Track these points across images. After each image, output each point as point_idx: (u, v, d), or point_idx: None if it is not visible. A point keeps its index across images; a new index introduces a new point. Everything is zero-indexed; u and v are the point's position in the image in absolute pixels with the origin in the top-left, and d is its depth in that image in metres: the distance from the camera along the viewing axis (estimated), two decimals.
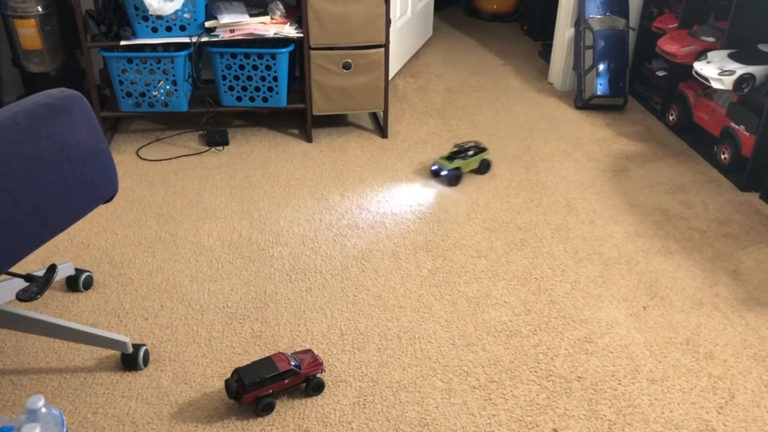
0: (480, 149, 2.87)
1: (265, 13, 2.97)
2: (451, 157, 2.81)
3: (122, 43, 2.84)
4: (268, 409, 1.71)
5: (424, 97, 3.68)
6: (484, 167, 2.88)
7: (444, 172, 2.79)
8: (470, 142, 2.90)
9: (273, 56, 2.94)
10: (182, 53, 2.89)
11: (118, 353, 1.88)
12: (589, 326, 2.04)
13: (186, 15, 2.84)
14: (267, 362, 1.72)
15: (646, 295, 2.18)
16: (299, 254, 2.35)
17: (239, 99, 3.06)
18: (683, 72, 3.20)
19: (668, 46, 3.20)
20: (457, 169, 2.78)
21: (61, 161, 1.55)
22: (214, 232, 2.47)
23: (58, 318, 1.83)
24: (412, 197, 2.70)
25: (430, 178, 2.82)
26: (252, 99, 3.06)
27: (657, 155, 3.11)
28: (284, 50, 2.94)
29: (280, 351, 1.88)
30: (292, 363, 1.73)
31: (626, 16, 3.56)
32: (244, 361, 1.87)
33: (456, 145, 2.89)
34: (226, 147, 3.09)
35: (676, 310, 2.11)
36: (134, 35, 2.84)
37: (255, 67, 2.97)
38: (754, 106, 2.79)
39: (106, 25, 2.86)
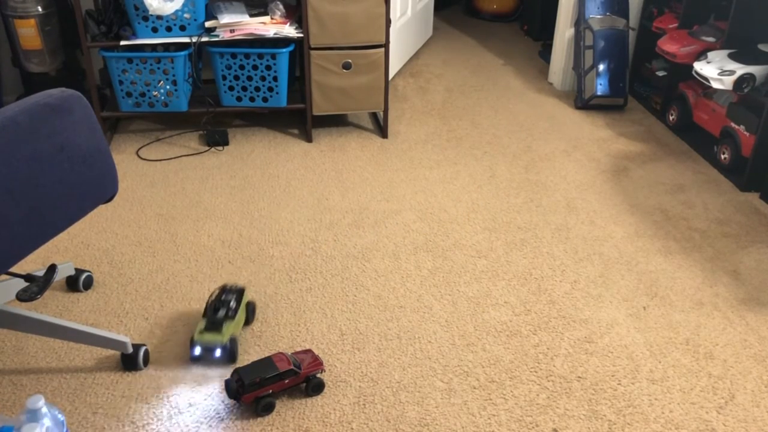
0: (237, 291, 1.94)
1: (265, 13, 2.97)
2: (215, 324, 1.84)
3: (122, 43, 2.84)
4: (269, 409, 1.71)
5: (424, 97, 3.68)
6: (251, 313, 2.00)
7: (218, 352, 1.83)
8: (215, 289, 2.03)
9: (273, 56, 2.94)
10: (182, 53, 2.89)
11: (118, 353, 1.88)
12: (589, 326, 2.04)
13: (186, 15, 2.83)
14: (267, 362, 1.72)
15: (646, 295, 2.18)
16: (299, 254, 2.35)
17: (239, 99, 3.06)
18: (683, 72, 3.20)
19: (668, 46, 3.20)
20: (233, 338, 1.85)
21: (61, 161, 1.55)
22: (214, 232, 2.47)
23: (58, 318, 1.83)
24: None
25: (192, 365, 1.86)
26: (252, 99, 3.06)
27: (657, 155, 3.11)
28: (284, 50, 2.94)
29: (280, 351, 1.88)
30: (292, 363, 1.73)
31: (626, 16, 3.56)
32: (244, 361, 1.87)
33: (210, 303, 1.90)
34: (226, 147, 3.09)
35: (676, 310, 2.11)
36: (134, 35, 2.84)
37: (255, 67, 2.97)
38: (754, 106, 2.79)
39: (106, 25, 2.86)
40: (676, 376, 1.86)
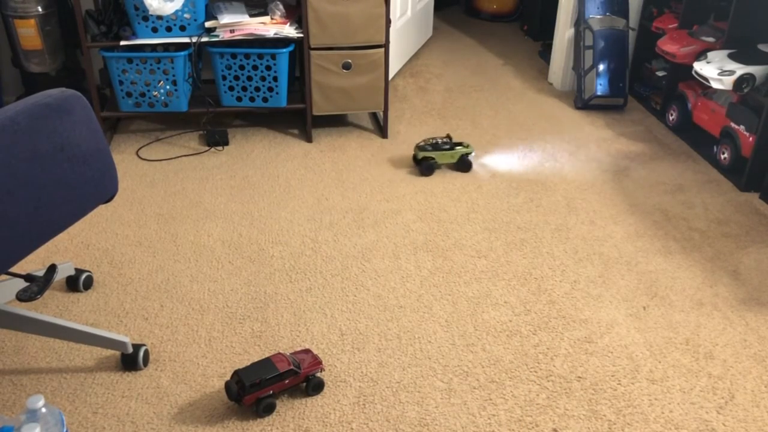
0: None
1: (265, 13, 2.97)
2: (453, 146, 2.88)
3: (122, 43, 2.84)
4: (269, 409, 1.71)
5: (424, 97, 3.68)
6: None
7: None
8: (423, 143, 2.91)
9: (273, 56, 2.94)
10: (182, 53, 2.89)
11: (118, 353, 1.88)
12: (589, 326, 2.04)
13: (186, 15, 2.84)
14: (266, 363, 1.72)
15: (646, 295, 2.18)
16: (299, 254, 2.35)
17: (239, 99, 3.06)
18: (683, 72, 3.20)
19: (668, 46, 3.20)
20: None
21: (61, 161, 1.55)
22: (214, 232, 2.47)
23: (58, 318, 1.83)
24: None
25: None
26: (252, 99, 3.06)
27: (657, 155, 3.11)
28: (284, 50, 2.94)
29: (279, 351, 1.88)
30: (292, 363, 1.73)
31: (626, 16, 3.56)
32: (244, 361, 1.87)
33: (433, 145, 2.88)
34: (226, 147, 3.09)
35: (676, 310, 2.11)
36: (134, 35, 2.84)
37: (255, 68, 2.97)
38: (754, 106, 2.79)
39: (106, 25, 2.86)
40: (676, 376, 1.86)
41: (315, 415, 1.72)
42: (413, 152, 2.92)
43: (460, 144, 2.87)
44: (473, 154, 2.89)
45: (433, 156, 2.84)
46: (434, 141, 2.87)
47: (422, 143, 2.87)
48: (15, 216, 1.45)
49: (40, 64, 3.08)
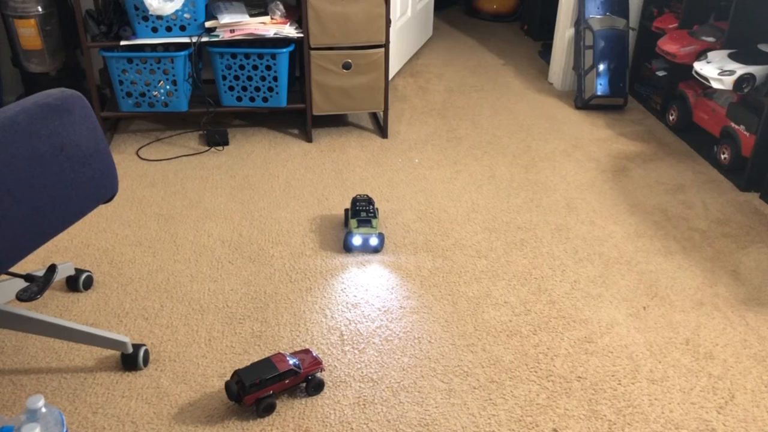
0: (367, 198, 2.45)
1: (265, 13, 2.97)
2: (366, 221, 2.34)
3: (122, 43, 2.84)
4: (270, 409, 1.71)
5: (424, 97, 3.68)
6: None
7: (375, 240, 2.34)
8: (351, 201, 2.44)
9: (273, 56, 2.94)
10: (182, 53, 2.89)
11: (118, 353, 1.88)
12: (589, 326, 2.04)
13: (186, 15, 2.84)
14: (266, 363, 1.72)
15: (646, 295, 2.18)
16: (299, 254, 2.35)
17: (239, 99, 3.06)
18: (683, 72, 3.20)
19: (668, 46, 3.20)
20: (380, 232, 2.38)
21: (61, 161, 1.55)
22: (214, 232, 2.47)
23: (58, 318, 1.83)
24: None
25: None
26: (252, 99, 3.06)
27: (657, 155, 3.11)
28: (284, 50, 2.94)
29: (279, 351, 1.88)
30: (292, 363, 1.73)
31: (626, 16, 3.56)
32: (244, 361, 1.87)
33: (351, 210, 2.40)
34: (226, 147, 3.09)
35: (676, 310, 2.11)
36: (134, 35, 2.84)
37: (255, 67, 2.97)
38: (754, 106, 2.79)
39: (106, 25, 2.86)
40: (676, 376, 1.86)
41: (315, 415, 1.72)
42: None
43: (367, 222, 2.34)
44: (357, 236, 2.32)
45: (354, 222, 2.35)
46: (366, 205, 2.42)
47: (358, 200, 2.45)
48: (15, 216, 1.45)
49: (40, 64, 3.08)
